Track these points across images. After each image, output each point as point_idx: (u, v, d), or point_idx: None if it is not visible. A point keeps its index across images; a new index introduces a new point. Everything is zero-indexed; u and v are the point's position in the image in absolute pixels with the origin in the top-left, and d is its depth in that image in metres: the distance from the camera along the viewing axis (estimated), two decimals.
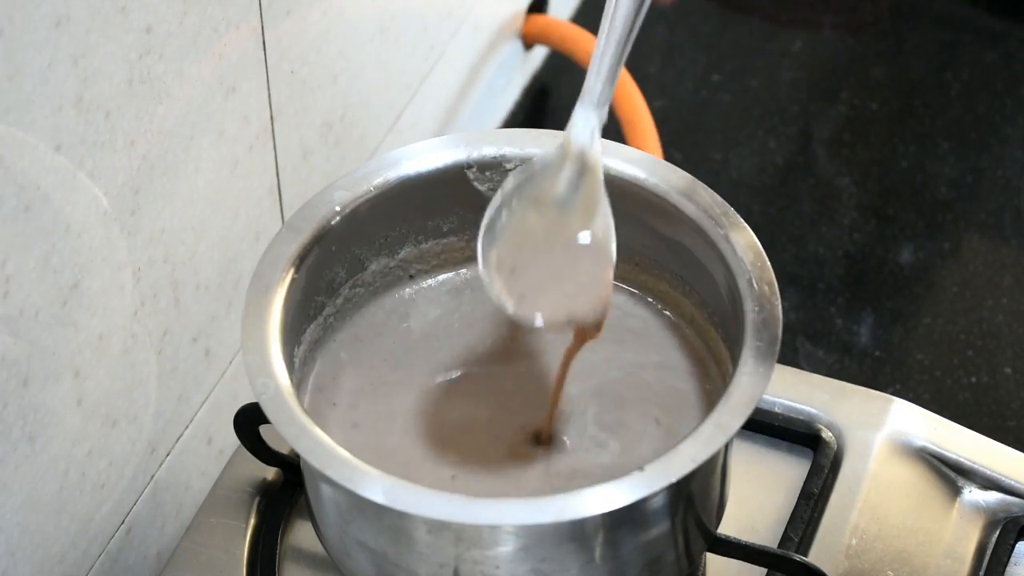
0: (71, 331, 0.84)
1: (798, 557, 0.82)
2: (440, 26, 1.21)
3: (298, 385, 0.78)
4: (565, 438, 0.79)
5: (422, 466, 0.78)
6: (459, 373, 0.82)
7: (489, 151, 0.83)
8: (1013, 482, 0.89)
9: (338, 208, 0.81)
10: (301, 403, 0.74)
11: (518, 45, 1.38)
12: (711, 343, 0.81)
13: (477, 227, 0.85)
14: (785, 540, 0.85)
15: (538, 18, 1.38)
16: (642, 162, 0.82)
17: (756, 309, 0.75)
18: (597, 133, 0.75)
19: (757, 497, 0.88)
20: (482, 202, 0.84)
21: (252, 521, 0.88)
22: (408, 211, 0.83)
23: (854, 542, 0.86)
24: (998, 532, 0.87)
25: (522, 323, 0.76)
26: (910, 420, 0.91)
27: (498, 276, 0.75)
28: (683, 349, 0.82)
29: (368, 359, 0.82)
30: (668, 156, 1.28)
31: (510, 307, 0.75)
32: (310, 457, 0.71)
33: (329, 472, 0.71)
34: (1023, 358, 1.22)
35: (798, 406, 0.91)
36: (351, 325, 0.83)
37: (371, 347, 0.83)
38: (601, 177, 0.75)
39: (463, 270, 0.86)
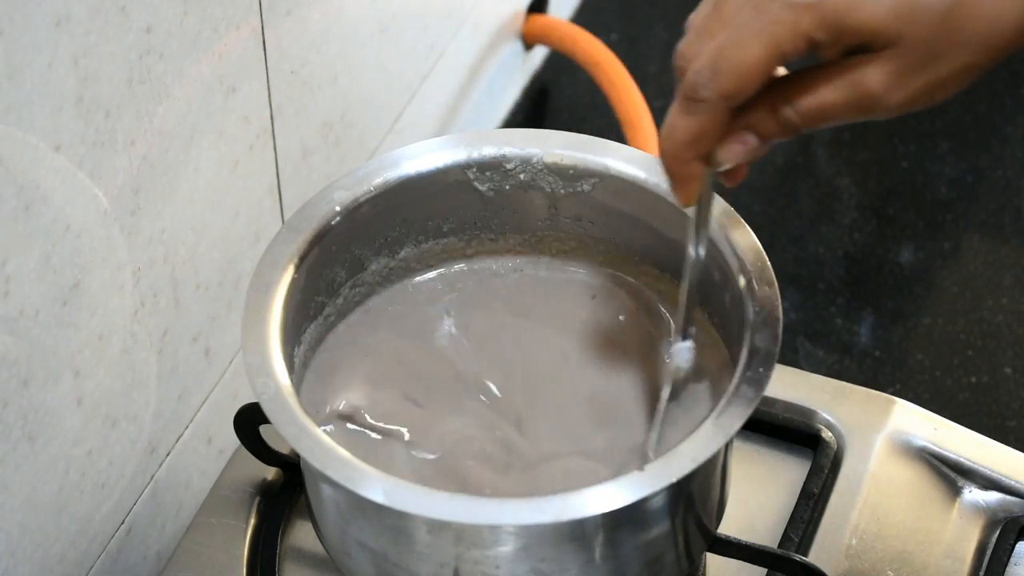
0: (71, 331, 0.84)
1: (798, 557, 0.82)
2: (440, 26, 1.22)
3: (298, 385, 0.78)
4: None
5: (422, 464, 0.78)
6: (458, 368, 0.82)
7: (489, 151, 0.83)
8: (1013, 482, 0.89)
9: (338, 208, 0.81)
10: (301, 403, 0.74)
11: (518, 45, 1.38)
12: (712, 343, 0.81)
13: (477, 227, 0.85)
14: (785, 540, 0.85)
15: (538, 18, 1.38)
16: (642, 162, 0.82)
17: (756, 309, 0.75)
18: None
19: (757, 497, 0.88)
20: (482, 202, 0.84)
21: (252, 521, 0.88)
22: (408, 211, 0.83)
23: (854, 542, 0.86)
24: (998, 532, 0.87)
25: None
26: (910, 420, 0.91)
27: None
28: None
29: (368, 357, 0.82)
30: None
31: None
32: (310, 457, 0.71)
33: (329, 472, 0.70)
34: (1023, 358, 1.22)
35: (798, 406, 0.91)
36: (351, 324, 0.83)
37: (371, 345, 0.83)
38: None
39: (460, 264, 0.86)
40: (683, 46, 0.70)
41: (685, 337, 0.77)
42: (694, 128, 0.70)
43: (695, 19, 0.70)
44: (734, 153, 0.71)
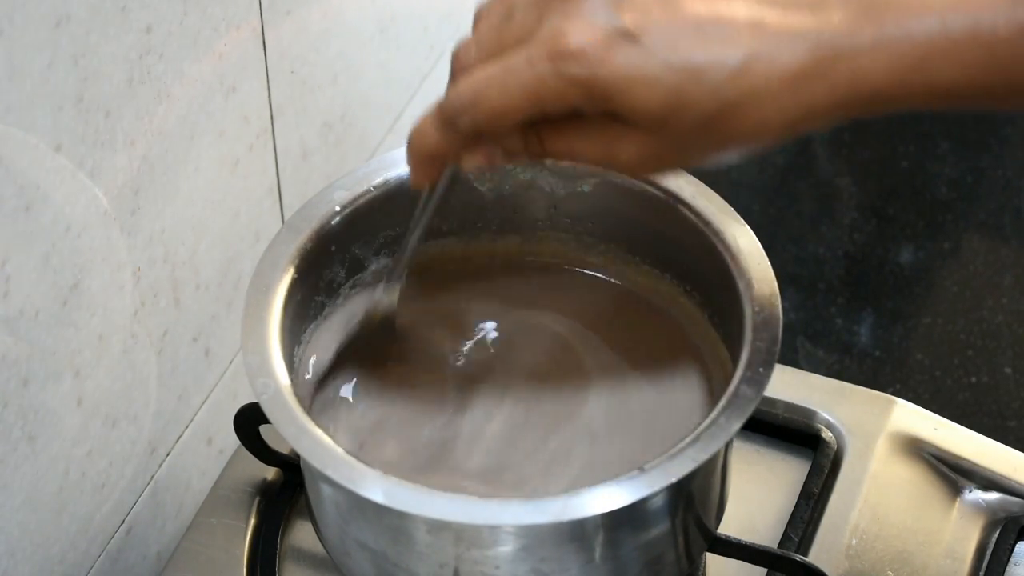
0: (71, 331, 0.84)
1: (798, 557, 0.82)
2: (440, 26, 1.22)
3: (298, 385, 0.78)
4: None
5: (421, 461, 0.78)
6: (455, 363, 0.82)
7: None
8: (1013, 482, 0.89)
9: (338, 208, 0.81)
10: (301, 403, 0.73)
11: None
12: (711, 343, 0.81)
13: (477, 227, 0.85)
14: (785, 540, 0.85)
15: None
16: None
17: (756, 309, 0.75)
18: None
19: (757, 497, 0.88)
20: (482, 202, 0.84)
21: (252, 521, 0.88)
22: (408, 211, 0.83)
23: (854, 542, 0.86)
24: (998, 532, 0.87)
25: None
26: (910, 420, 0.91)
27: None
28: (684, 349, 0.82)
29: (366, 356, 0.82)
30: None
31: None
32: (310, 457, 0.71)
33: (329, 472, 0.70)
34: (1023, 358, 1.22)
35: (798, 406, 0.91)
36: (350, 323, 0.84)
37: (369, 344, 0.83)
38: None
39: (464, 267, 0.86)
40: (462, 48, 0.70)
41: (392, 281, 0.79)
42: (442, 143, 0.70)
43: (482, 18, 0.70)
44: (477, 164, 0.71)
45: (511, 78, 0.66)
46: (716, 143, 0.67)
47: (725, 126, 0.66)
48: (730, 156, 0.68)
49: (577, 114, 0.67)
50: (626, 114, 0.66)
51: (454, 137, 0.70)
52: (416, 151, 0.72)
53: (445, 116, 0.69)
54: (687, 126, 0.65)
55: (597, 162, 0.69)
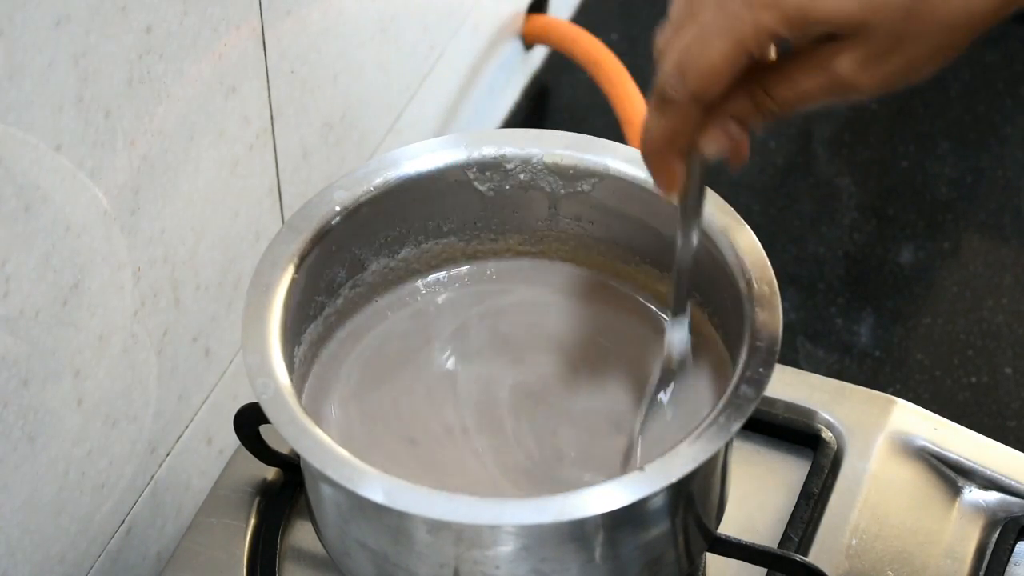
0: (71, 331, 0.84)
1: (798, 557, 0.82)
2: (440, 26, 1.22)
3: (298, 385, 0.78)
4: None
5: (421, 465, 0.78)
6: (458, 369, 0.82)
7: (489, 151, 0.83)
8: (1013, 482, 0.89)
9: (338, 208, 0.81)
10: (301, 403, 0.74)
11: (518, 45, 1.38)
12: (712, 343, 0.81)
13: (477, 227, 0.85)
14: (785, 540, 0.85)
15: (538, 18, 1.38)
16: (642, 162, 0.82)
17: (756, 309, 0.75)
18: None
19: (757, 497, 0.88)
20: (482, 202, 0.84)
21: (252, 521, 0.88)
22: (408, 211, 0.83)
23: (854, 542, 0.86)
24: (998, 532, 0.87)
25: None
26: (910, 420, 0.91)
27: None
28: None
29: (368, 358, 0.82)
30: None
31: None
32: (310, 457, 0.71)
33: (329, 472, 0.71)
34: (1023, 358, 1.22)
35: (798, 406, 0.91)
36: (351, 324, 0.83)
37: (371, 346, 0.83)
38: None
39: (460, 265, 0.86)
40: (661, 39, 0.70)
41: (676, 323, 0.78)
42: (668, 127, 0.70)
43: (672, 10, 0.70)
44: (718, 143, 0.71)
45: (707, 33, 0.67)
46: (927, 32, 0.66)
47: (929, 7, 0.65)
48: (949, 43, 0.67)
49: (787, 52, 0.68)
50: (826, 26, 0.66)
51: (678, 115, 0.69)
52: (649, 150, 0.71)
53: (661, 96, 0.69)
54: (890, 19, 0.65)
55: (827, 92, 0.68)
